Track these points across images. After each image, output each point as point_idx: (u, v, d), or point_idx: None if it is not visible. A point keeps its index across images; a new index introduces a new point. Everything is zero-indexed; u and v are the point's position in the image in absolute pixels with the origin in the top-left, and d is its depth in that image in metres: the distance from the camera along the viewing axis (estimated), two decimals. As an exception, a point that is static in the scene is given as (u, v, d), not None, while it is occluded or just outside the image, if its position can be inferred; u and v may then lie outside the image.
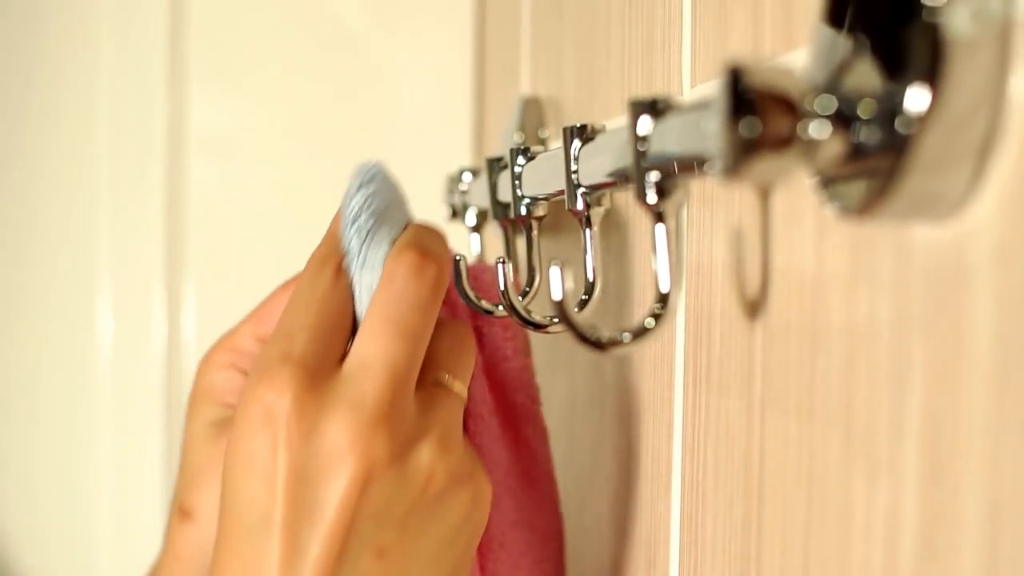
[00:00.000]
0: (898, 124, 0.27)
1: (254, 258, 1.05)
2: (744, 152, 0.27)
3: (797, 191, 0.37)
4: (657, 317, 0.35)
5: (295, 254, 1.05)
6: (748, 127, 0.27)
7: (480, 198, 0.68)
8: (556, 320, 0.46)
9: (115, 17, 1.03)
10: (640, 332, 0.35)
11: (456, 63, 1.03)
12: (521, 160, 0.55)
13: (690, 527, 0.47)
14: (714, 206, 0.44)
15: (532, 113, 0.73)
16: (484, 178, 0.63)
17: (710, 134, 0.29)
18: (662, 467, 0.51)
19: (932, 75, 0.26)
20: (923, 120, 0.26)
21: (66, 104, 1.07)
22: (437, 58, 1.03)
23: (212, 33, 1.02)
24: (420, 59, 1.03)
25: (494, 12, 0.99)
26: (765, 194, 0.38)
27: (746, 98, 0.27)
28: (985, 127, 0.27)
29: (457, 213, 0.74)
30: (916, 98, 0.26)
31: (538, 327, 0.46)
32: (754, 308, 0.40)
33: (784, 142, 0.28)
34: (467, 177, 0.71)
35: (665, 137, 0.34)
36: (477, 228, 0.70)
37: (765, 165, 0.28)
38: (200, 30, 1.02)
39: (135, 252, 1.05)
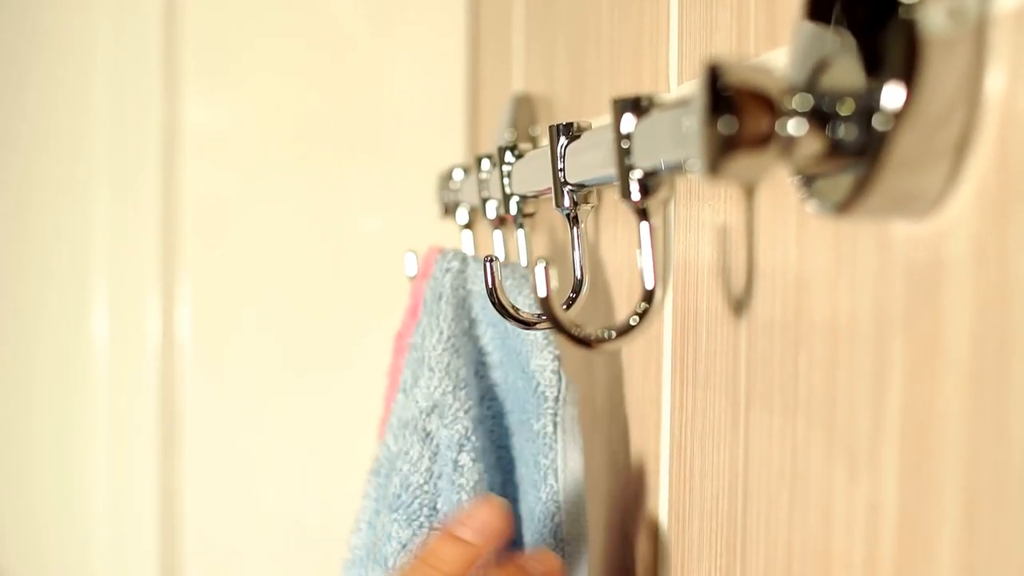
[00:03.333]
0: (875, 121, 0.27)
1: (249, 256, 1.05)
2: (723, 150, 0.28)
3: (781, 188, 0.37)
4: (642, 314, 0.35)
5: (290, 252, 1.06)
6: (726, 125, 0.28)
7: (471, 195, 0.68)
8: (544, 317, 0.46)
9: (111, 17, 1.03)
10: (626, 329, 0.35)
11: (450, 62, 1.03)
12: (510, 158, 0.56)
13: (678, 522, 0.47)
14: (700, 204, 0.44)
15: (524, 110, 0.74)
16: (475, 176, 0.63)
17: (690, 132, 0.29)
18: (650, 463, 0.51)
19: (908, 73, 0.26)
20: (899, 117, 0.27)
21: (61, 104, 1.07)
22: (431, 56, 1.03)
23: (206, 32, 1.03)
24: (414, 57, 1.03)
25: (487, 11, 0.99)
26: (750, 191, 0.39)
27: (724, 96, 0.28)
28: (962, 124, 0.27)
29: (449, 210, 0.74)
30: (892, 96, 0.27)
31: (526, 324, 0.47)
32: (739, 305, 0.40)
33: (762, 140, 0.28)
34: (458, 175, 0.71)
35: (648, 135, 0.34)
36: (469, 225, 0.71)
37: (744, 163, 0.28)
38: (194, 29, 1.02)
39: (130, 252, 1.05)
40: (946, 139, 0.27)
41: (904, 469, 0.30)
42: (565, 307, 0.45)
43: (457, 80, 1.03)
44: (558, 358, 0.51)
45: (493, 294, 0.47)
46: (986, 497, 0.26)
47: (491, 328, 0.55)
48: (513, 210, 0.57)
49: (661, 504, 0.49)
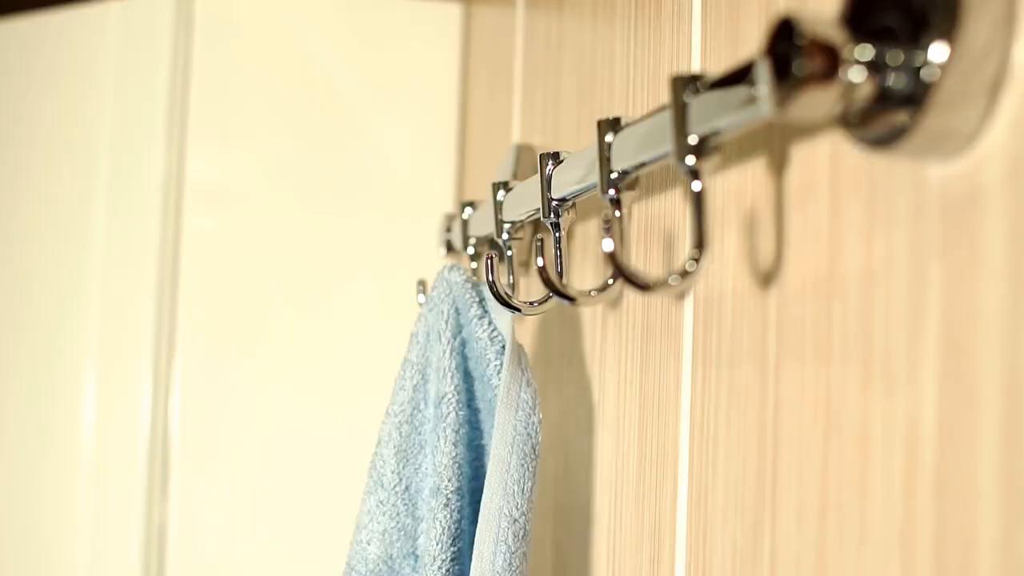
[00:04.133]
0: (923, 73, 0.32)
1: (246, 308, 1.07)
2: (793, 87, 0.33)
3: (809, 165, 0.42)
4: (697, 260, 0.40)
5: (288, 304, 1.08)
6: (799, 67, 0.33)
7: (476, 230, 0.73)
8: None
9: (118, 77, 1.07)
10: (684, 274, 0.40)
11: (440, 120, 1.08)
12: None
13: (699, 494, 0.51)
14: (725, 199, 0.49)
15: (525, 159, 0.79)
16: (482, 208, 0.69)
17: (762, 77, 0.34)
18: (668, 449, 0.55)
19: (951, 27, 0.32)
20: (944, 68, 0.32)
21: (66, 174, 1.10)
22: (422, 116, 1.08)
23: (210, 91, 1.07)
24: (406, 119, 1.08)
25: (477, 78, 1.05)
26: (779, 170, 0.44)
27: (798, 44, 0.33)
28: (997, 65, 0.32)
29: (452, 249, 0.79)
30: (937, 49, 0.32)
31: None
32: (767, 277, 0.45)
33: (827, 82, 0.33)
34: (468, 212, 0.77)
35: (706, 105, 0.39)
36: (475, 257, 0.76)
37: (808, 100, 0.33)
38: (199, 90, 1.06)
39: (127, 300, 1.07)
40: (982, 81, 0.32)
41: (943, 379, 0.34)
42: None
43: (447, 138, 1.08)
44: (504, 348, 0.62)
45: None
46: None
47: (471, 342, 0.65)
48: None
49: (680, 485, 0.53)
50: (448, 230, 0.83)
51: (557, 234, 0.60)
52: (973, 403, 0.33)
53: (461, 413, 0.63)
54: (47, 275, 1.10)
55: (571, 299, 0.56)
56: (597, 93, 0.68)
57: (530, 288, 0.77)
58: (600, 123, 0.52)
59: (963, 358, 0.33)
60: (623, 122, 0.51)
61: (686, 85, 0.40)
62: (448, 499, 0.62)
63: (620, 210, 0.49)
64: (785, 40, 0.33)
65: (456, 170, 1.07)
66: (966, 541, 0.32)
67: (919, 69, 0.33)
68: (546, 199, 0.59)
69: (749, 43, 0.47)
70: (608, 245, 0.42)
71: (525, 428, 0.58)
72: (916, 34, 0.33)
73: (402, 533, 0.66)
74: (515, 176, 0.78)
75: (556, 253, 0.60)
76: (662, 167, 0.54)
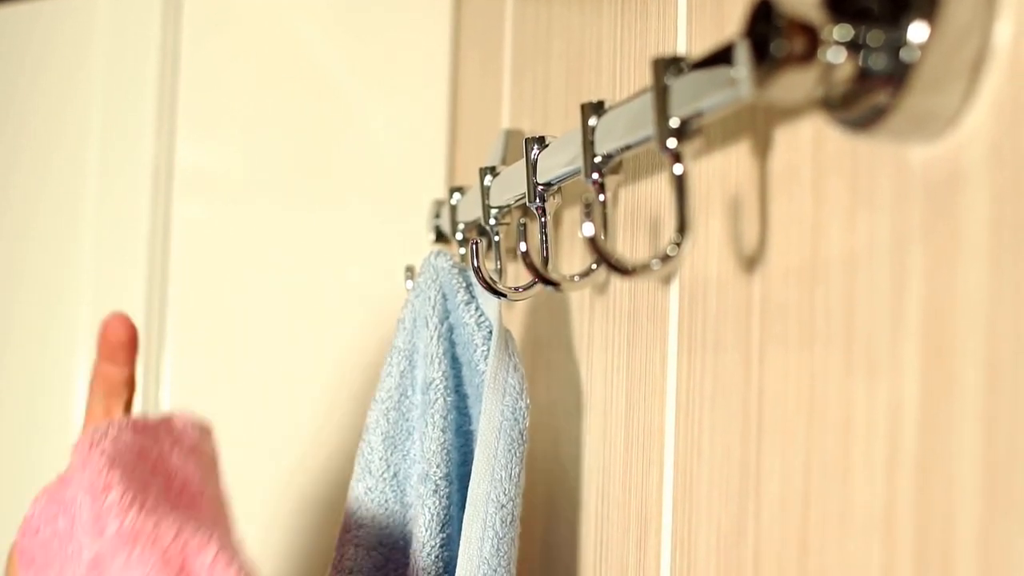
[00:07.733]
0: (902, 53, 0.32)
1: (235, 297, 1.07)
2: (772, 68, 0.32)
3: (794, 146, 0.41)
4: (679, 244, 0.39)
5: (277, 290, 1.08)
6: (777, 47, 0.32)
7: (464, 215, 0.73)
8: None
9: (108, 66, 1.07)
10: (666, 258, 0.39)
11: (431, 106, 1.08)
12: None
13: (684, 483, 0.51)
14: (709, 182, 0.49)
15: (514, 144, 0.79)
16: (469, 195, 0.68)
17: (740, 58, 0.33)
18: (654, 435, 0.54)
19: (931, 7, 0.31)
20: (924, 48, 0.31)
21: (56, 156, 1.09)
22: (412, 103, 1.08)
23: (199, 79, 1.06)
24: (396, 105, 1.07)
25: (467, 64, 1.05)
26: (763, 153, 0.43)
27: (777, 24, 0.32)
28: (978, 44, 0.31)
29: (442, 235, 0.79)
30: (917, 29, 0.31)
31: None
32: (751, 262, 0.45)
33: (806, 63, 0.33)
34: (457, 197, 0.76)
35: (688, 88, 0.39)
36: (463, 242, 0.76)
37: (788, 81, 0.33)
38: (187, 78, 1.06)
39: (118, 295, 1.07)
40: (963, 61, 0.32)
41: (925, 363, 0.34)
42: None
43: (438, 125, 1.08)
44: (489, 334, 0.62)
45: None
46: (1007, 378, 0.30)
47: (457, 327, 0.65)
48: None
49: (666, 471, 0.53)
50: (437, 216, 0.83)
51: (543, 219, 0.60)
52: (954, 388, 0.32)
53: (449, 399, 0.62)
54: (37, 264, 1.09)
55: (554, 284, 0.56)
56: (585, 77, 0.68)
57: (519, 274, 0.76)
58: (584, 106, 0.52)
59: (944, 343, 0.33)
60: (607, 105, 0.51)
61: (667, 67, 0.39)
62: (437, 485, 0.61)
63: (604, 194, 0.49)
64: (764, 21, 0.33)
65: (447, 156, 1.06)
66: (946, 526, 0.32)
67: (899, 49, 0.32)
68: (531, 184, 0.60)
69: (735, 25, 0.46)
70: (588, 230, 0.42)
71: (512, 413, 0.58)
72: (896, 14, 0.32)
73: (391, 520, 0.65)
74: (504, 161, 0.78)
75: (542, 238, 0.60)
76: (649, 151, 0.54)
